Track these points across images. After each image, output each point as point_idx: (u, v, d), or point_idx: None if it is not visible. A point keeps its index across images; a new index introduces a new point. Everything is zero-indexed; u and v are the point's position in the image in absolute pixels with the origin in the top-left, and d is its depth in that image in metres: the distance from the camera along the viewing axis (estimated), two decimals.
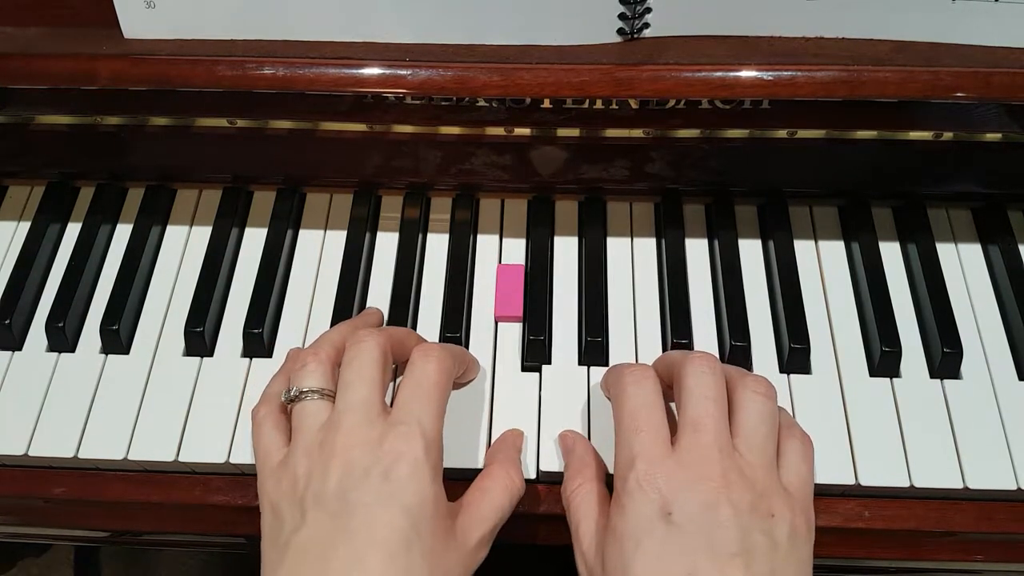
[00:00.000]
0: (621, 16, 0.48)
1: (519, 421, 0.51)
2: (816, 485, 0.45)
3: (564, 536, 0.45)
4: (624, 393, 0.45)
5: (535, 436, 0.51)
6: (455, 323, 0.55)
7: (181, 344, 0.55)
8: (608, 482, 0.46)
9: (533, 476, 0.50)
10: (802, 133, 0.54)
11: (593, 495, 0.45)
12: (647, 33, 0.49)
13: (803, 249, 0.58)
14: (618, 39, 0.49)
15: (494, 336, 0.55)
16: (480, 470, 0.47)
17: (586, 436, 0.50)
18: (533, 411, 0.52)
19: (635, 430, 0.43)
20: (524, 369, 0.54)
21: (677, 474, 0.41)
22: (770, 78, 0.47)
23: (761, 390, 0.44)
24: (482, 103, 0.52)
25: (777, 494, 0.41)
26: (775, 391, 0.45)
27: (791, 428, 0.46)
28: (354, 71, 0.49)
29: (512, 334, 0.56)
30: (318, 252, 0.60)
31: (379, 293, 0.57)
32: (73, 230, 0.61)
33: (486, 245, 0.60)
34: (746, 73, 0.47)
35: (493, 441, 0.50)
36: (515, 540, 0.46)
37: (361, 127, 0.56)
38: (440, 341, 0.55)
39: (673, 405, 0.46)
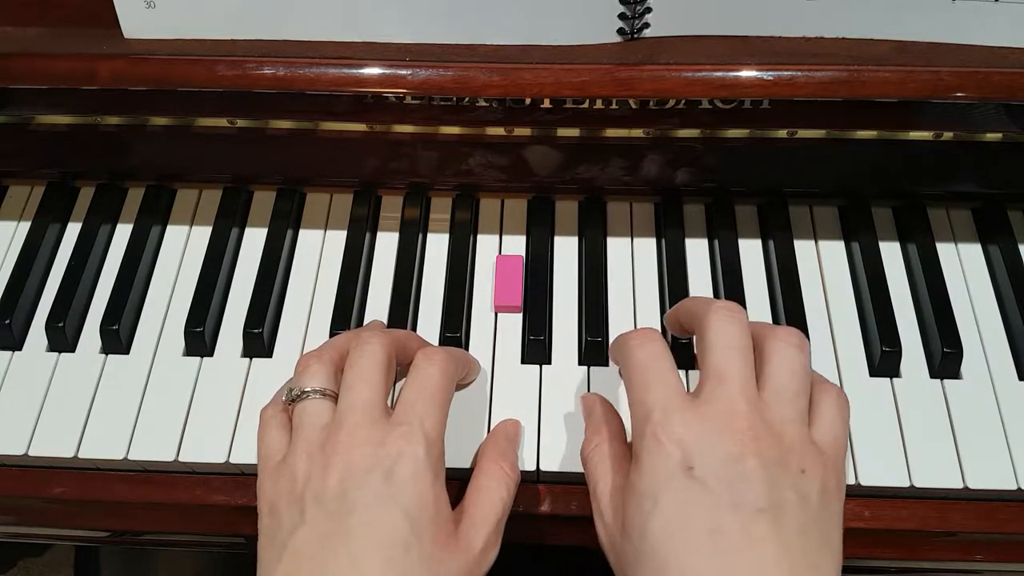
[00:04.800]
0: (621, 16, 0.48)
1: (519, 415, 0.51)
2: None
3: (565, 536, 0.45)
4: (631, 355, 0.42)
5: (535, 436, 0.50)
6: (455, 323, 0.55)
7: (181, 344, 0.55)
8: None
9: (534, 477, 0.50)
10: (802, 133, 0.54)
11: (611, 453, 0.43)
12: (647, 33, 0.49)
13: (803, 249, 0.58)
14: (618, 39, 0.49)
15: (494, 333, 0.55)
16: None
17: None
18: (533, 404, 0.52)
19: (646, 385, 0.40)
20: (524, 362, 0.54)
21: (699, 426, 0.38)
22: (770, 78, 0.47)
23: (794, 341, 0.41)
24: (482, 103, 0.52)
25: (808, 450, 0.39)
26: (808, 344, 0.42)
27: (824, 383, 0.43)
28: (354, 71, 0.49)
29: (512, 326, 0.56)
30: (318, 252, 0.59)
31: (379, 293, 0.57)
32: (73, 230, 0.61)
33: (486, 245, 0.60)
34: (746, 73, 0.47)
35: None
36: (515, 540, 0.46)
37: (361, 127, 0.56)
38: (440, 341, 0.55)
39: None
